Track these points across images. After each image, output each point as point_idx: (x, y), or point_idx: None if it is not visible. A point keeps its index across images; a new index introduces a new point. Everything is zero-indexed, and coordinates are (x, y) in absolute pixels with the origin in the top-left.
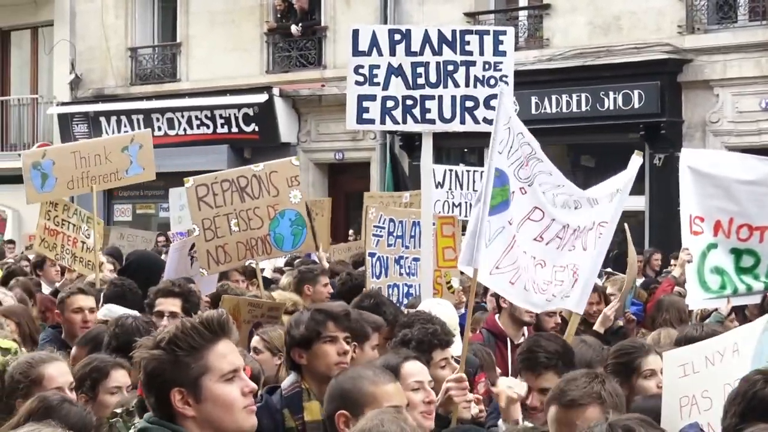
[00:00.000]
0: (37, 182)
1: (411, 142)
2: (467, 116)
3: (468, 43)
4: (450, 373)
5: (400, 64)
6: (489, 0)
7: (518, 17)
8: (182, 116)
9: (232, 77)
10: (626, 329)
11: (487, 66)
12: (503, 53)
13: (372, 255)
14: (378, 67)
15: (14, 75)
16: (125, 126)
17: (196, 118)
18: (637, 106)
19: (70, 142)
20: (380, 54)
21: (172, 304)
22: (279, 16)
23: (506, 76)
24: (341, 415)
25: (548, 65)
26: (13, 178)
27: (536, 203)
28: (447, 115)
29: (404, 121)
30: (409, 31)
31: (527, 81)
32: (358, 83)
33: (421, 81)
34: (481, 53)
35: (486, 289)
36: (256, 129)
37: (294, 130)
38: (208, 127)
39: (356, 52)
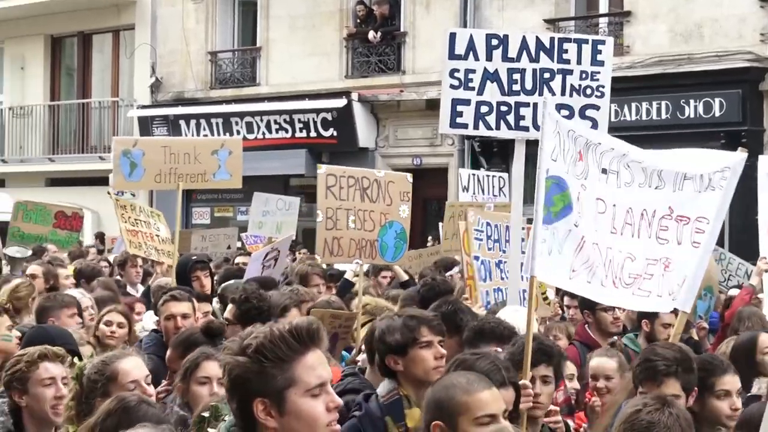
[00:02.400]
0: (125, 170)
1: (489, 148)
2: None
3: (566, 51)
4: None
5: (496, 70)
6: (570, 6)
7: (598, 24)
8: (261, 120)
9: (311, 82)
10: (699, 339)
11: (584, 75)
12: (601, 63)
13: (476, 258)
14: (474, 71)
15: (95, 78)
16: (204, 129)
17: (275, 122)
18: (717, 114)
19: None
20: (476, 58)
21: (228, 311)
22: (359, 21)
23: (602, 87)
24: (436, 425)
25: (628, 73)
26: (93, 180)
27: (596, 194)
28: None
29: (498, 128)
30: (506, 36)
31: None
32: (452, 87)
33: (516, 87)
34: (579, 62)
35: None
36: (335, 134)
37: (372, 135)
38: (286, 131)
39: (452, 56)
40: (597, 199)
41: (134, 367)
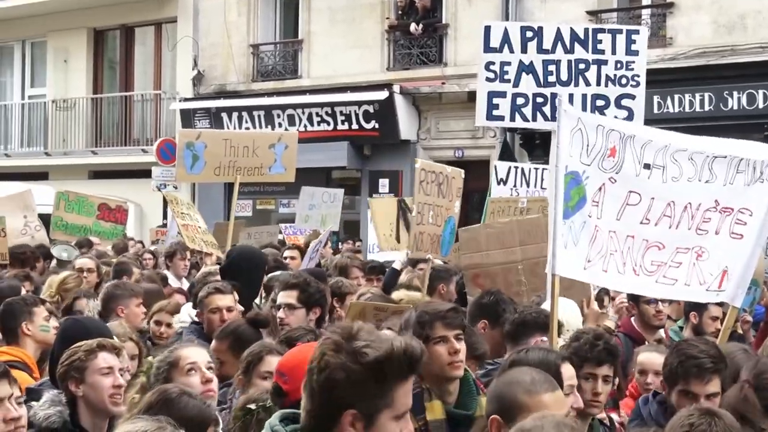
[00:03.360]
0: (187, 162)
1: (531, 141)
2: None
3: (600, 41)
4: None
5: (531, 62)
6: None
7: (641, 15)
8: (303, 113)
9: (352, 74)
10: (743, 333)
11: (618, 65)
12: (635, 53)
13: None
14: (509, 63)
15: (138, 71)
16: (246, 122)
17: (317, 114)
18: (761, 106)
19: None
20: (511, 51)
21: (289, 296)
22: (400, 13)
23: (638, 76)
24: (494, 420)
25: (671, 64)
26: (136, 173)
27: (630, 188)
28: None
29: (534, 119)
30: (541, 28)
31: (650, 80)
32: (488, 80)
33: (552, 79)
34: (614, 52)
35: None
36: (377, 126)
37: (414, 127)
38: (328, 123)
39: (487, 49)
40: (630, 192)
41: (195, 352)
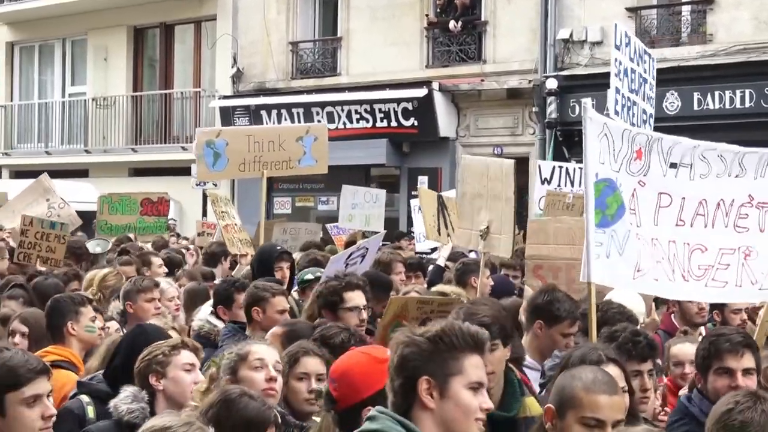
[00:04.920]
0: (209, 160)
1: (570, 138)
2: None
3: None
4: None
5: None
6: None
7: (681, 12)
8: (342, 110)
9: (391, 71)
10: None
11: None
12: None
13: None
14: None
15: (177, 69)
16: (286, 119)
17: (356, 112)
18: None
19: None
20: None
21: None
22: (439, 10)
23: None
24: (549, 408)
25: (711, 61)
26: (176, 170)
27: (659, 189)
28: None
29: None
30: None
31: (690, 77)
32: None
33: (634, 86)
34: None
35: None
36: (416, 123)
37: (453, 124)
38: (367, 121)
39: (617, 46)
40: (660, 194)
41: (265, 350)
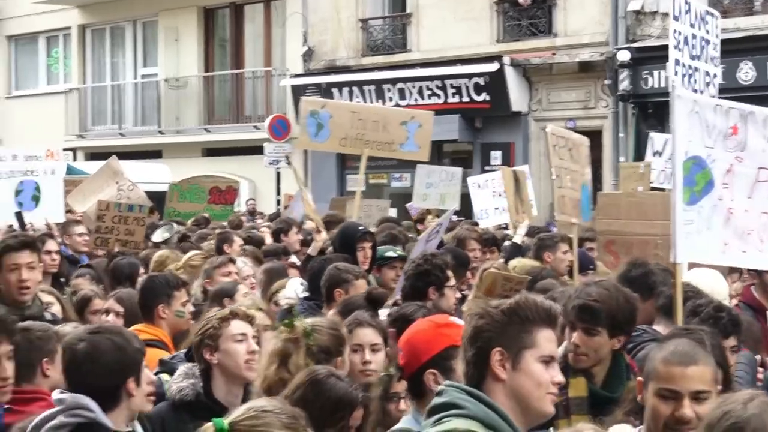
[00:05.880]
0: (311, 129)
1: (645, 110)
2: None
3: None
4: None
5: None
6: None
7: None
8: (413, 86)
9: (462, 47)
10: None
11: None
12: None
13: None
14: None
15: (248, 48)
16: (357, 97)
17: (427, 88)
18: None
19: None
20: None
21: None
22: None
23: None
24: (639, 381)
25: None
26: (249, 149)
27: (759, 164)
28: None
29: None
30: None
31: (764, 46)
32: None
33: (695, 53)
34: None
35: None
36: (487, 98)
37: (525, 98)
38: (439, 97)
39: (675, 17)
40: (760, 169)
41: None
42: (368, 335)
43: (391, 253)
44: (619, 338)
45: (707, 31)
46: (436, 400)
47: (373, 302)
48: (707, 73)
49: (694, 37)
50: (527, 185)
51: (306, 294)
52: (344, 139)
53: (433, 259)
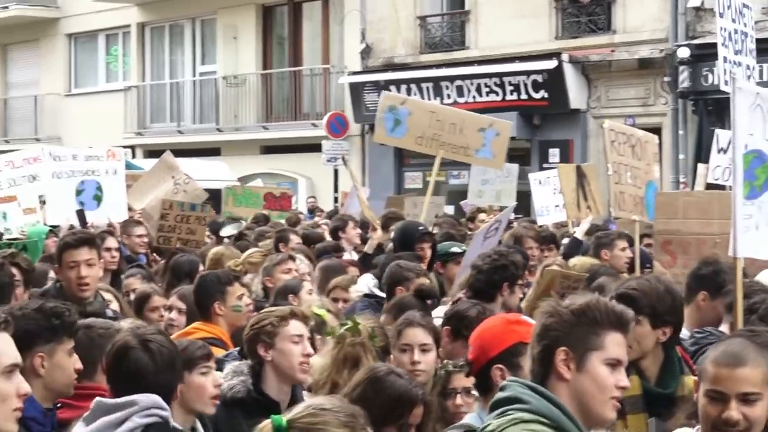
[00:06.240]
0: (388, 124)
1: (705, 107)
2: None
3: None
4: None
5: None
6: None
7: None
8: (471, 84)
9: (520, 44)
10: None
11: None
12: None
13: None
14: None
15: (306, 46)
16: (415, 94)
17: (486, 85)
18: None
19: (362, 111)
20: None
21: None
22: None
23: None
24: (695, 382)
25: None
26: (306, 147)
27: None
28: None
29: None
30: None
31: None
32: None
33: (738, 48)
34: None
35: None
36: (546, 95)
37: (584, 96)
38: (497, 94)
39: (720, 14)
40: None
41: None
42: (418, 335)
43: (455, 249)
44: (663, 330)
45: (745, 24)
46: (500, 395)
47: (423, 297)
48: (747, 66)
49: (735, 32)
50: (596, 180)
51: (375, 291)
52: (420, 137)
53: (509, 255)
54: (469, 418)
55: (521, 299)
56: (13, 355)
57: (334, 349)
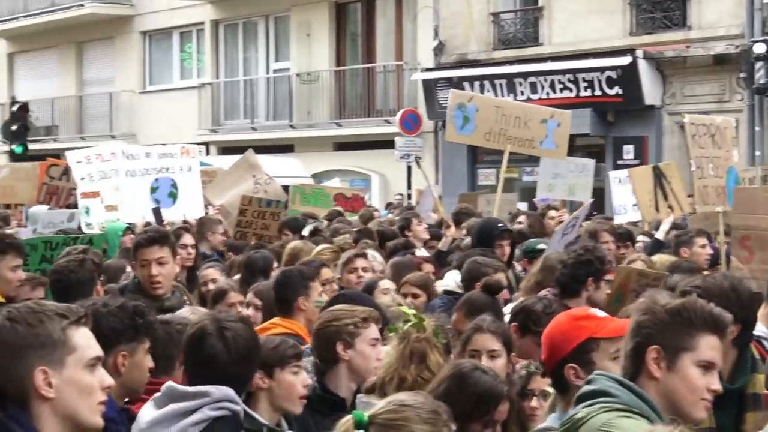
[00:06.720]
0: (458, 122)
1: None
2: None
3: None
4: None
5: None
6: None
7: None
8: (545, 80)
9: (594, 40)
10: None
11: None
12: None
13: None
14: None
15: (379, 42)
16: (488, 91)
17: (559, 82)
18: None
19: (435, 108)
20: None
21: None
22: None
23: None
24: None
25: None
26: (379, 143)
27: None
28: None
29: None
30: None
31: None
32: None
33: None
34: None
35: None
36: (620, 92)
37: (658, 92)
38: (570, 90)
39: None
40: None
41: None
42: (486, 341)
43: (542, 246)
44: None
45: None
46: (586, 388)
47: (491, 291)
48: None
49: None
50: (678, 178)
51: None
52: (488, 133)
53: (595, 251)
54: (551, 420)
55: None
56: (96, 348)
57: (399, 345)
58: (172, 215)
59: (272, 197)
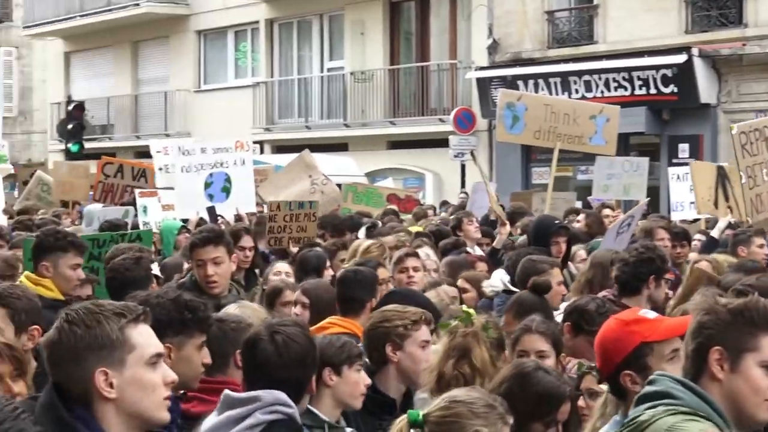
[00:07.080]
0: (507, 122)
1: None
2: None
3: None
4: None
5: None
6: None
7: None
8: (599, 79)
9: (649, 38)
10: None
11: None
12: None
13: None
14: None
15: (433, 41)
16: (542, 90)
17: (614, 80)
18: None
19: (489, 106)
20: None
21: None
22: None
23: None
24: None
25: None
26: (433, 142)
27: None
28: None
29: None
30: None
31: None
32: None
33: None
34: None
35: None
36: (675, 90)
37: (714, 90)
38: (625, 89)
39: None
40: None
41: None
42: (535, 342)
43: None
44: None
45: None
46: (648, 389)
47: (539, 291)
48: None
49: None
50: (738, 184)
51: (509, 286)
52: (538, 131)
53: (656, 249)
54: (610, 426)
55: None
56: (156, 345)
57: (447, 340)
58: (225, 209)
59: (329, 199)
